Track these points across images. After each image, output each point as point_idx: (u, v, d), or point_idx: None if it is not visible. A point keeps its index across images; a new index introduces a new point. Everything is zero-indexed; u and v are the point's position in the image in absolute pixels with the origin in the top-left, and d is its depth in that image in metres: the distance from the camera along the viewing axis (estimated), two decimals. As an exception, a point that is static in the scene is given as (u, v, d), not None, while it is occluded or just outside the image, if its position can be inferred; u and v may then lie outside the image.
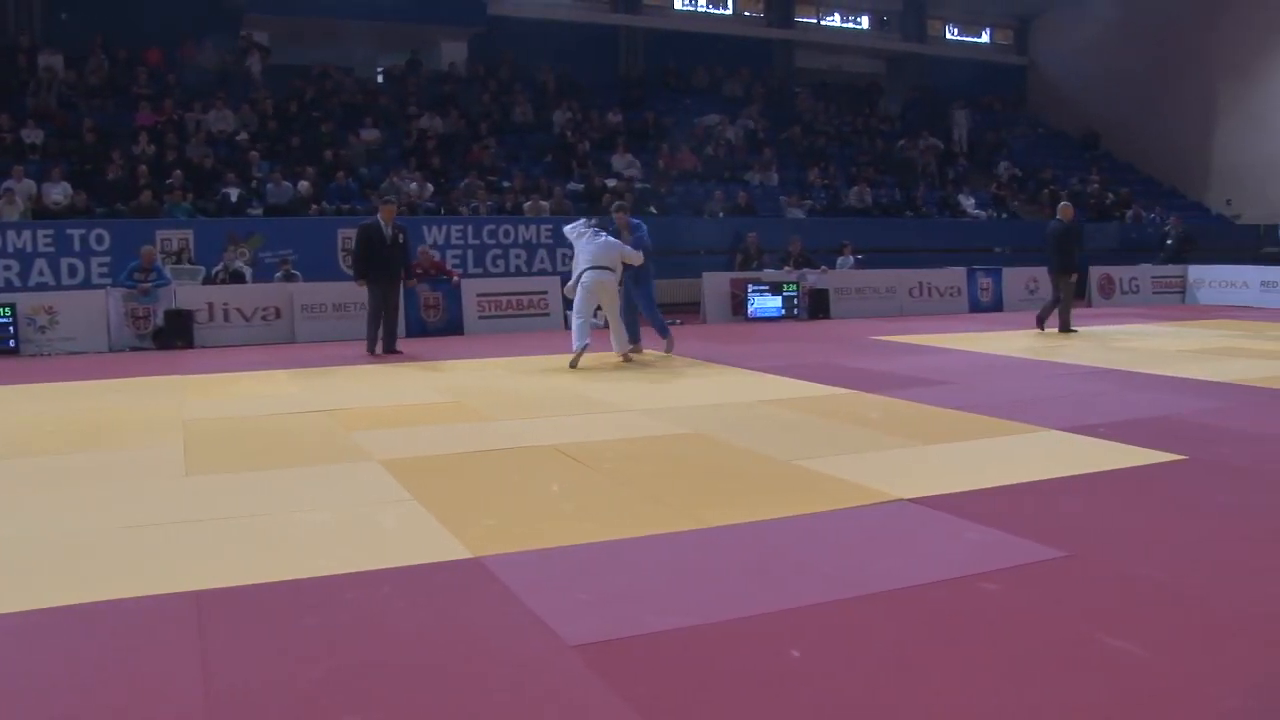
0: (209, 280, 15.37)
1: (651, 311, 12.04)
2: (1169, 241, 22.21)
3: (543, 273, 17.88)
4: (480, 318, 15.77)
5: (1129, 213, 25.76)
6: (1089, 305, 20.34)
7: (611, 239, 11.38)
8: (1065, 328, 14.24)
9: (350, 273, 13.92)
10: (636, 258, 11.35)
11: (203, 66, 21.63)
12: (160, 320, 13.96)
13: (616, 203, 12.43)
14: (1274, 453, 6.40)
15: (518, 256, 18.23)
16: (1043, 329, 14.31)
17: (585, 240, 11.31)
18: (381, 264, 12.41)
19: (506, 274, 17.81)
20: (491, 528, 4.81)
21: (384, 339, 12.55)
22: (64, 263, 15.39)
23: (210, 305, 14.47)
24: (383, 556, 4.37)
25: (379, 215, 12.67)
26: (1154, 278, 21.39)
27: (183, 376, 10.67)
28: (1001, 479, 5.64)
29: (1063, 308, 14.28)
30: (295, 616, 3.71)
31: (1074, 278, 14.46)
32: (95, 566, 4.31)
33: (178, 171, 17.43)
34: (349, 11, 22.76)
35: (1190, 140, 28.07)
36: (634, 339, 11.82)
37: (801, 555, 4.42)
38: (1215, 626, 3.57)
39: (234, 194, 17.57)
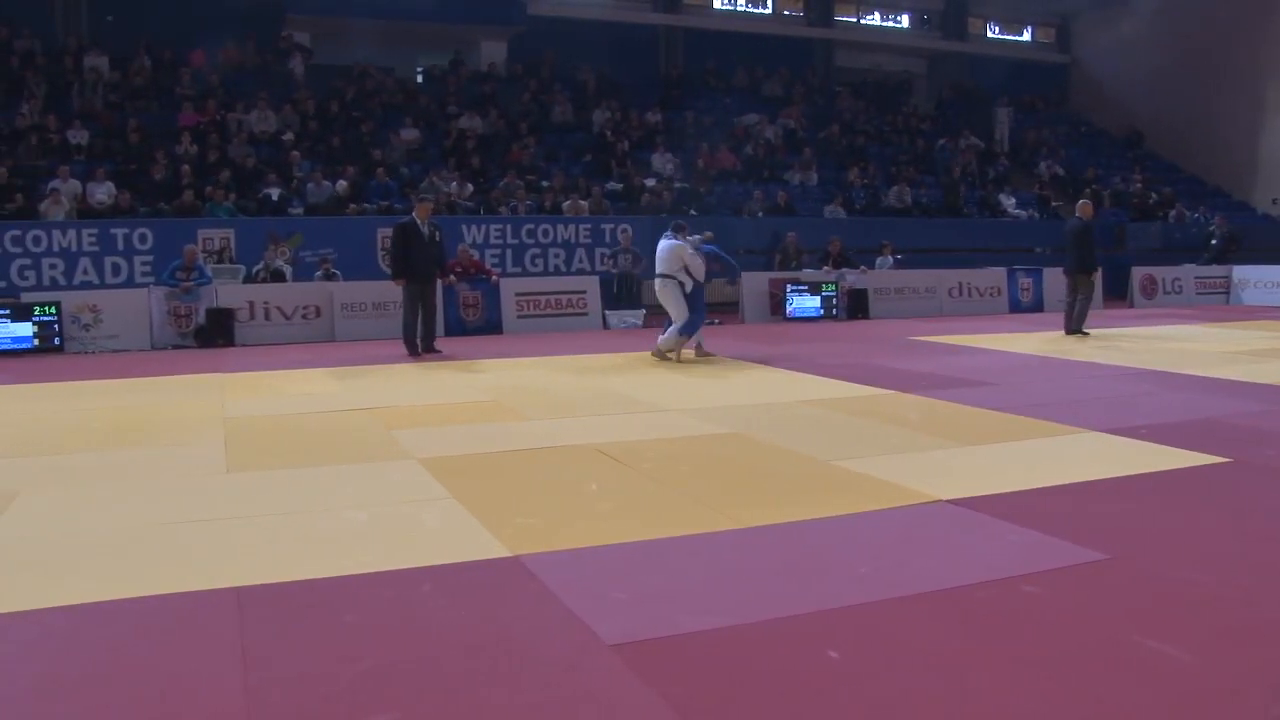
0: (250, 279, 15.52)
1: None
2: (1214, 241, 21.94)
3: (581, 272, 17.92)
4: (519, 317, 15.82)
5: (1172, 212, 25.45)
6: (1131, 305, 20.14)
7: (675, 241, 11.51)
8: (1078, 329, 13.93)
9: (389, 271, 14.01)
10: (696, 265, 11.45)
11: (245, 67, 21.86)
12: (202, 318, 14.11)
13: (675, 221, 12.36)
14: (1322, 456, 6.31)
15: (556, 256, 18.27)
16: (1070, 332, 13.98)
17: (659, 245, 11.66)
18: (418, 262, 12.45)
19: (545, 273, 17.87)
20: (529, 526, 4.82)
21: (423, 338, 12.58)
22: (108, 261, 15.60)
23: (251, 304, 14.61)
24: (421, 554, 4.39)
25: (415, 213, 12.71)
26: (1197, 278, 21.11)
27: (224, 374, 10.78)
28: (1042, 480, 5.59)
29: (1080, 309, 13.98)
30: (334, 613, 3.74)
31: (1094, 277, 14.08)
32: (138, 562, 4.36)
33: (226, 172, 17.63)
34: (389, 12, 22.93)
35: (1236, 139, 27.69)
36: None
37: (840, 556, 4.40)
38: (1259, 631, 3.52)
39: (275, 194, 17.74)
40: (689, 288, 11.46)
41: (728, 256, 12.02)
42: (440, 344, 12.93)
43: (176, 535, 4.75)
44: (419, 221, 12.48)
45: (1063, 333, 13.99)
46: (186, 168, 17.60)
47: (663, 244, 11.63)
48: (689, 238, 11.71)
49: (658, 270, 11.63)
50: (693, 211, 19.94)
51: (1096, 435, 6.91)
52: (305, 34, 23.62)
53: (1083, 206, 14.67)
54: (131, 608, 3.81)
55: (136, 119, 19.07)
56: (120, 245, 15.67)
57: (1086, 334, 13.85)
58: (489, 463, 6.25)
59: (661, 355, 11.52)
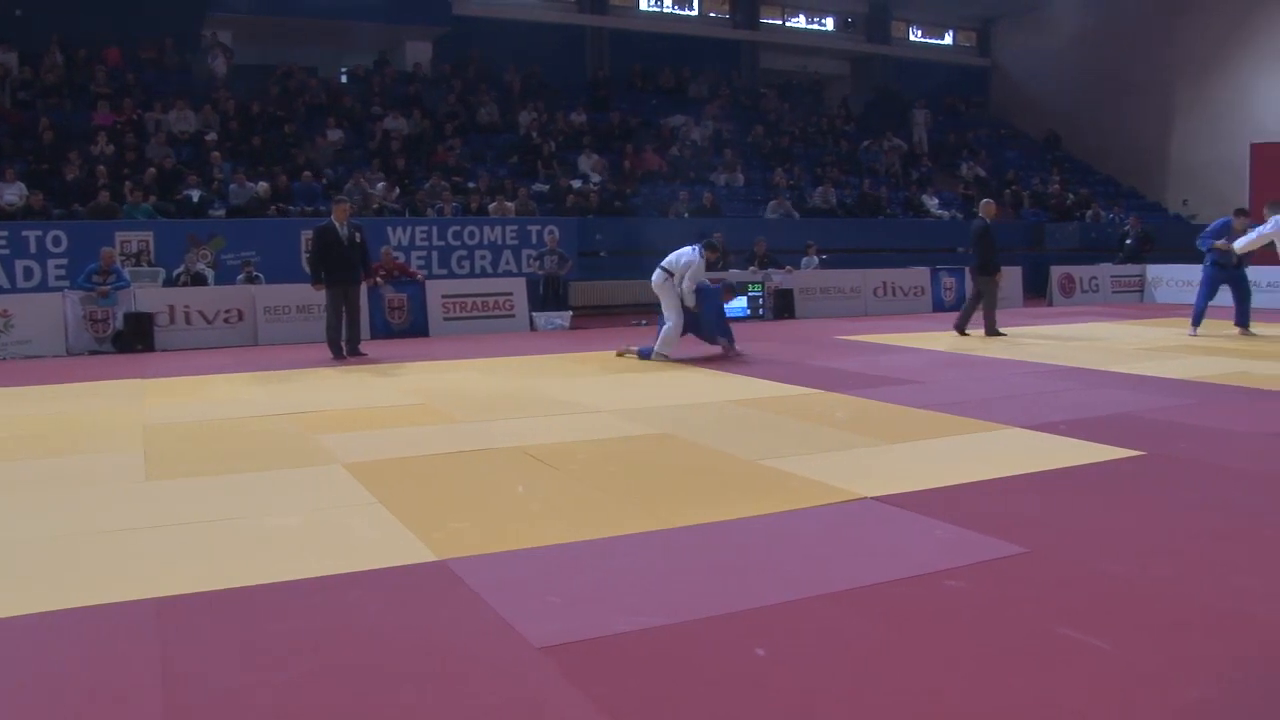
0: (170, 282, 15.23)
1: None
2: (1128, 241, 22.47)
3: (508, 274, 17.84)
4: (445, 319, 15.72)
5: (1089, 212, 26.04)
6: (1050, 304, 20.55)
7: (696, 251, 11.70)
8: (990, 330, 13.83)
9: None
10: (690, 282, 11.59)
11: (164, 65, 21.45)
12: (120, 323, 13.81)
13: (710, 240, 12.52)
14: (1230, 448, 6.49)
15: (483, 258, 18.18)
16: (963, 333, 13.90)
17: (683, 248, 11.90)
18: (339, 265, 12.28)
19: (472, 275, 17.76)
20: (457, 530, 4.79)
21: (347, 341, 12.44)
22: (19, 265, 15.20)
23: (171, 308, 14.33)
24: (348, 561, 4.34)
25: (332, 215, 12.52)
26: (1113, 277, 21.63)
27: (143, 380, 10.56)
28: (965, 476, 5.68)
29: (986, 310, 13.90)
30: (259, 623, 3.68)
31: (993, 278, 13.97)
32: (53, 574, 4.25)
33: (151, 169, 17.27)
34: (313, 11, 22.65)
35: (1148, 142, 28.45)
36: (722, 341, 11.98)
37: (768, 554, 4.44)
38: (1177, 620, 3.61)
39: (196, 195, 17.41)
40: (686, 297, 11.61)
41: (714, 298, 11.99)
42: (366, 347, 12.81)
43: (93, 546, 4.64)
44: (337, 224, 12.30)
45: (962, 334, 13.89)
46: (102, 168, 17.21)
47: (686, 249, 11.80)
48: (706, 256, 11.78)
49: (663, 263, 11.83)
50: (618, 203, 20.02)
51: (1017, 431, 7.05)
52: (227, 32, 23.23)
53: (985, 206, 14.62)
54: (45, 622, 3.71)
55: (49, 117, 18.61)
56: (33, 248, 15.27)
57: (1002, 334, 13.86)
58: (416, 467, 6.21)
59: (662, 358, 11.52)
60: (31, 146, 18.08)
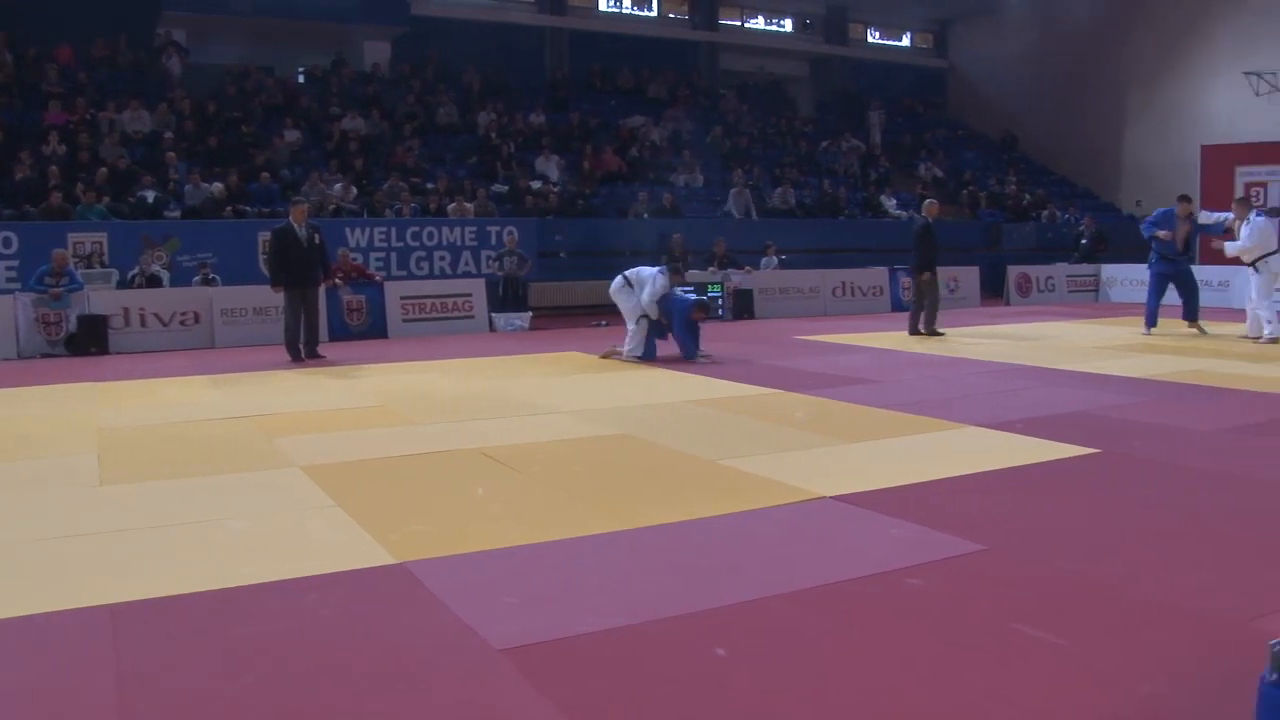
0: (124, 284, 15.04)
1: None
2: (1083, 241, 22.73)
3: (467, 275, 17.76)
4: (404, 321, 15.63)
5: (1045, 213, 26.31)
6: (1007, 303, 20.74)
7: (661, 271, 11.83)
8: (930, 329, 13.84)
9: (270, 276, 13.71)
10: (650, 295, 11.64)
11: (118, 64, 21.18)
12: (73, 326, 13.61)
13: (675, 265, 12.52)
14: (1184, 445, 6.58)
15: (442, 259, 18.09)
16: (913, 333, 13.89)
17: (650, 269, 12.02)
18: (297, 267, 12.16)
19: (431, 276, 17.66)
20: (417, 533, 4.77)
21: (306, 343, 12.34)
22: (-31, 267, 14.97)
23: (126, 310, 14.14)
24: (306, 564, 4.31)
25: (290, 216, 12.40)
26: (1069, 276, 21.87)
27: (97, 384, 10.42)
28: (923, 475, 5.73)
29: (929, 309, 13.95)
30: (214, 628, 3.65)
31: (926, 277, 13.92)
32: (4, 581, 4.19)
33: (103, 169, 17.03)
34: (270, 10, 22.45)
35: (1102, 143, 28.80)
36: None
37: (727, 554, 4.45)
38: (1131, 615, 3.66)
39: (150, 196, 17.20)
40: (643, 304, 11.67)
41: (680, 310, 11.74)
42: (324, 349, 12.71)
43: (45, 552, 4.58)
44: (295, 225, 12.18)
45: (916, 334, 13.87)
46: (55, 168, 16.96)
47: (650, 269, 11.92)
48: (670, 278, 11.81)
49: (626, 272, 11.95)
50: (580, 201, 20.01)
51: (974, 430, 7.11)
52: (181, 31, 22.96)
53: (928, 206, 14.63)
54: (-1, 627, 3.66)
55: (-1, 117, 18.33)
56: (-18, 249, 15.05)
57: (940, 334, 13.84)
58: (374, 469, 6.17)
59: (634, 359, 11.65)
60: (-19, 146, 17.80)
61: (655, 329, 11.76)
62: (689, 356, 11.58)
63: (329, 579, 4.14)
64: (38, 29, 20.86)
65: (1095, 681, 3.13)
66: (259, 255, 16.51)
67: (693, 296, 12.04)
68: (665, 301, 11.64)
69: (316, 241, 12.35)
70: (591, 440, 7.00)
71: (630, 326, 11.75)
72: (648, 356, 11.63)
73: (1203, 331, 13.50)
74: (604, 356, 11.95)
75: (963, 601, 3.82)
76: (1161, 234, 13.57)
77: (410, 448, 6.81)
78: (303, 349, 12.26)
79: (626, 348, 11.70)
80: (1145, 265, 14.33)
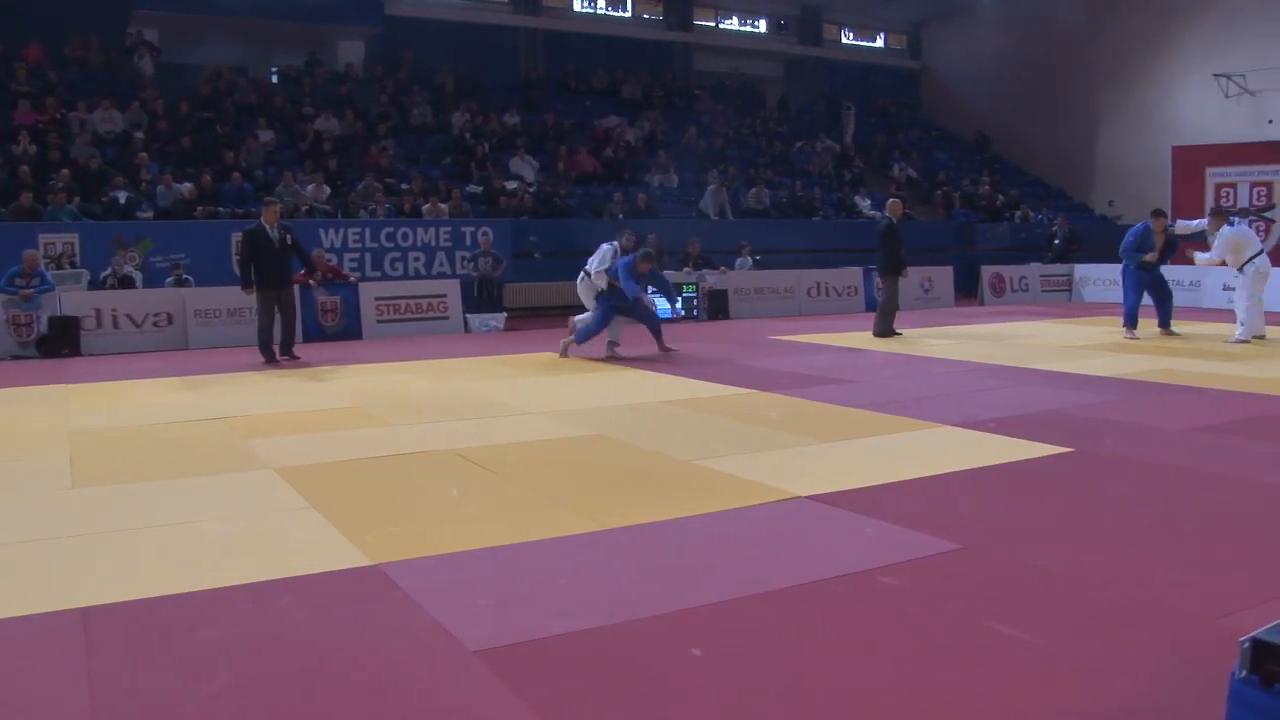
0: (96, 285, 14.93)
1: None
2: (1056, 241, 22.88)
3: (442, 275, 17.71)
4: (379, 321, 15.58)
5: (1018, 213, 26.48)
6: (981, 303, 20.85)
7: (611, 245, 12.11)
8: (887, 331, 13.78)
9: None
10: (594, 263, 11.96)
11: (89, 64, 21.01)
12: (44, 327, 13.49)
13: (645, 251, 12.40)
14: (1156, 444, 6.64)
15: (416, 259, 18.04)
16: (877, 334, 13.80)
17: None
18: (269, 268, 12.10)
19: (405, 277, 17.61)
20: (391, 534, 4.76)
21: (281, 344, 12.27)
22: (-62, 268, 14.80)
23: (98, 311, 14.04)
24: (280, 566, 4.29)
25: (262, 218, 12.32)
26: (1042, 276, 22.02)
27: (69, 385, 10.33)
28: (897, 475, 5.75)
29: (887, 309, 13.93)
30: (188, 630, 3.63)
31: (892, 278, 13.88)
32: (-24, 583, 4.16)
33: (64, 171, 16.88)
34: (243, 10, 22.27)
35: (1074, 144, 28.98)
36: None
37: (702, 555, 4.46)
38: (1105, 614, 3.69)
39: (122, 196, 17.06)
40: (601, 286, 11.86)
41: (628, 278, 11.79)
42: (299, 350, 12.63)
43: (15, 555, 4.54)
44: (267, 226, 12.11)
45: (884, 335, 13.77)
46: (25, 168, 16.81)
47: (603, 244, 12.14)
48: (625, 247, 12.07)
49: (586, 265, 12.19)
50: (557, 199, 19.98)
51: (948, 429, 7.15)
52: (154, 30, 22.79)
53: (892, 206, 14.50)
54: (-32, 632, 3.63)
55: (-34, 116, 18.15)
56: (-48, 250, 14.87)
57: (898, 334, 13.82)
58: (349, 470, 6.15)
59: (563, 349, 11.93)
60: (-51, 146, 17.62)
61: (611, 301, 11.88)
62: (632, 294, 11.73)
63: (303, 581, 4.12)
64: (6, 27, 20.66)
65: (1070, 679, 3.16)
66: (232, 256, 16.41)
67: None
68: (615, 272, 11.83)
69: (289, 242, 12.28)
70: (566, 441, 6.99)
71: (589, 313, 12.00)
72: (592, 330, 11.88)
73: (1174, 334, 13.54)
74: (561, 355, 12.00)
75: (937, 600, 3.85)
76: (1147, 258, 13.46)
77: (385, 449, 6.79)
78: (278, 350, 12.19)
79: (579, 326, 11.89)
80: (1120, 265, 14.31)
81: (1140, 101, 27.32)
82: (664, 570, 4.24)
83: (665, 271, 17.90)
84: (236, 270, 15.43)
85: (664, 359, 11.69)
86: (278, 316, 12.21)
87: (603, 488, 5.64)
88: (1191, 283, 18.72)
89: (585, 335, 11.96)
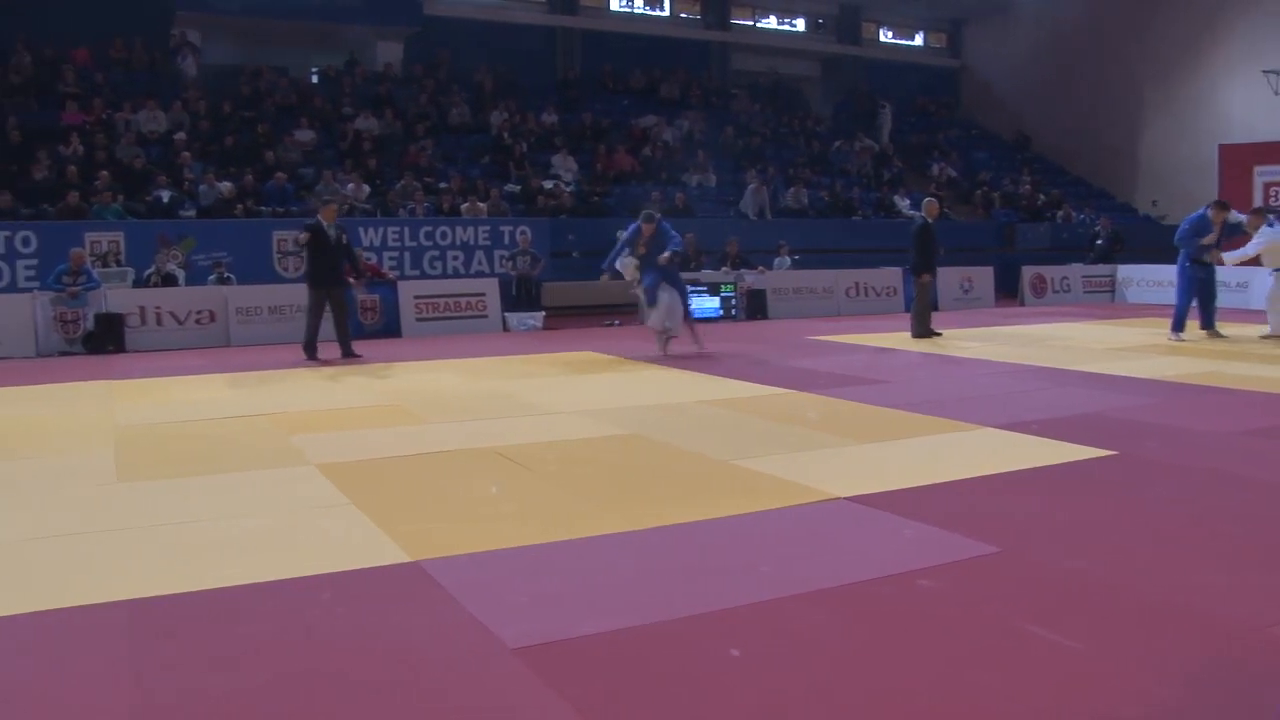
0: (140, 283, 15.12)
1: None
2: (1099, 242, 22.63)
3: (480, 274, 17.79)
4: (418, 320, 15.66)
5: (1059, 213, 26.22)
6: (1022, 304, 20.67)
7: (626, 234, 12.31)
8: (925, 332, 13.68)
9: (285, 275, 13.78)
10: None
11: (133, 65, 21.27)
12: (90, 324, 13.69)
13: (645, 212, 12.47)
14: (1201, 448, 6.55)
15: (455, 258, 18.12)
16: (915, 335, 13.68)
17: None
18: (325, 265, 12.20)
19: (444, 276, 17.70)
20: (430, 531, 4.78)
21: (340, 342, 12.33)
22: (-12, 266, 15.05)
23: (142, 309, 14.22)
24: (320, 562, 4.32)
25: (320, 215, 12.42)
26: (1084, 277, 21.78)
27: (114, 381, 10.47)
28: (937, 476, 5.71)
29: (921, 310, 13.85)
30: (231, 625, 3.67)
31: (926, 279, 13.75)
32: (22, 577, 4.22)
33: (104, 172, 17.09)
34: (283, 11, 22.50)
35: (1118, 142, 28.66)
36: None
37: (740, 555, 4.45)
38: (1145, 619, 3.65)
39: (166, 195, 17.27)
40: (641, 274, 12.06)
41: (626, 253, 12.18)
42: (336, 348, 12.65)
43: (64, 548, 4.61)
44: (325, 224, 12.22)
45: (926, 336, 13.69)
46: (73, 168, 17.05)
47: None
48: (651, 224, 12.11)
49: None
50: (594, 198, 20.01)
51: (988, 431, 7.09)
52: (196, 32, 23.04)
53: (928, 205, 14.25)
54: (17, 624, 3.68)
55: (16, 117, 18.40)
56: (1, 249, 15.10)
57: (937, 334, 13.76)
58: (388, 467, 6.19)
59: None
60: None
61: (649, 278, 12.02)
62: (647, 283, 11.97)
63: (343, 577, 4.16)
64: (55, 31, 20.96)
65: (1108, 684, 3.13)
66: (274, 254, 16.60)
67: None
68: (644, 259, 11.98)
69: (344, 241, 12.40)
70: (604, 440, 7.00)
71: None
72: (660, 306, 11.96)
73: (1219, 335, 13.34)
74: (664, 351, 12.01)
75: (975, 603, 3.82)
76: (1205, 241, 13.10)
77: (424, 446, 6.83)
78: (339, 348, 12.26)
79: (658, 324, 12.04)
80: (1164, 265, 14.09)
81: (1186, 99, 26.98)
82: (702, 570, 4.24)
83: (703, 270, 17.95)
84: (279, 268, 15.64)
85: (702, 358, 11.66)
86: (327, 315, 12.28)
87: (641, 487, 5.64)
88: (1239, 284, 18.43)
89: (660, 318, 11.99)
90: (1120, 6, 27.77)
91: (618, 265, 12.26)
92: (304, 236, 12.14)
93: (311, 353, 12.16)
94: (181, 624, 3.68)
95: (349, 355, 12.25)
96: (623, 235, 12.45)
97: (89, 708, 3.06)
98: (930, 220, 13.92)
